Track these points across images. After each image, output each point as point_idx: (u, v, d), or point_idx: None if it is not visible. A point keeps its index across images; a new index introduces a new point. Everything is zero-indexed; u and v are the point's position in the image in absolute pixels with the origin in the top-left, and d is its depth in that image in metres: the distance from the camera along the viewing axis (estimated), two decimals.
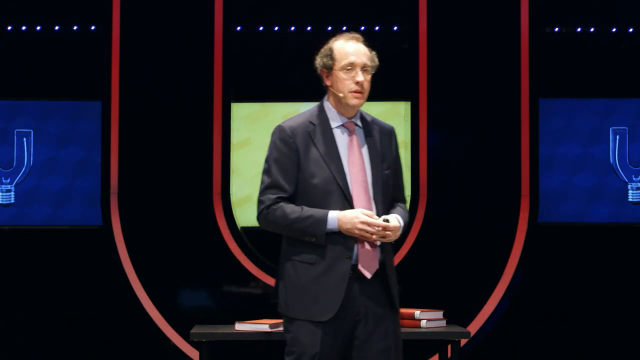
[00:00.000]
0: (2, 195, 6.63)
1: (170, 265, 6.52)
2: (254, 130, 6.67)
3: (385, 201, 3.70)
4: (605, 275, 6.62)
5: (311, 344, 3.60)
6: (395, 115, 6.61)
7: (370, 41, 3.82)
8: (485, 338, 6.48)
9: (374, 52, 3.75)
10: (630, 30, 6.72)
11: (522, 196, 6.56)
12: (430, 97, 6.59)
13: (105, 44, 6.59)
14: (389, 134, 3.78)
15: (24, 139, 6.66)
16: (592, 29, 6.73)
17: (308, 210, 3.61)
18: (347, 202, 3.62)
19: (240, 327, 5.05)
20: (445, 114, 6.62)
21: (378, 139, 3.73)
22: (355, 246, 3.62)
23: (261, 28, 6.72)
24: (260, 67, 6.70)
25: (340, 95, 3.68)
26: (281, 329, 5.03)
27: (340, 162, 3.65)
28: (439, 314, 5.17)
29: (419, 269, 6.53)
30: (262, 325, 5.01)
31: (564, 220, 6.65)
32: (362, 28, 6.62)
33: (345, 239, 3.60)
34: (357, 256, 3.62)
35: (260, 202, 3.70)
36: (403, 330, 5.03)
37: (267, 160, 3.70)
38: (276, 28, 6.72)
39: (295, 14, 6.72)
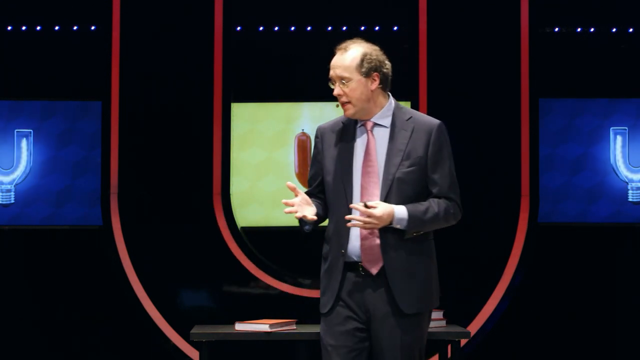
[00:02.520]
0: (2, 195, 6.63)
1: (170, 265, 6.52)
2: (254, 131, 6.67)
3: (403, 197, 3.69)
4: (605, 275, 6.62)
5: (325, 333, 3.73)
6: None
7: (370, 41, 3.83)
8: (485, 338, 6.48)
9: (367, 55, 3.74)
10: (630, 30, 6.72)
11: (522, 196, 6.56)
12: (430, 97, 6.59)
13: (105, 44, 6.59)
14: (426, 131, 3.79)
15: (24, 139, 6.66)
16: (592, 29, 6.73)
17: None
18: (345, 198, 3.69)
19: (240, 327, 5.05)
20: (445, 114, 6.60)
21: (406, 136, 3.75)
22: (354, 241, 3.67)
23: (261, 28, 6.72)
24: (260, 67, 6.70)
25: None
26: (281, 329, 5.03)
27: (350, 159, 3.72)
28: (439, 314, 5.17)
29: None
30: (262, 325, 5.00)
31: (564, 220, 6.65)
32: (362, 28, 6.62)
33: (341, 234, 3.68)
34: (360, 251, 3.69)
35: None
36: None
37: None
38: (276, 28, 6.72)
39: (295, 14, 6.72)
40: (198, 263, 6.54)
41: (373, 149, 3.73)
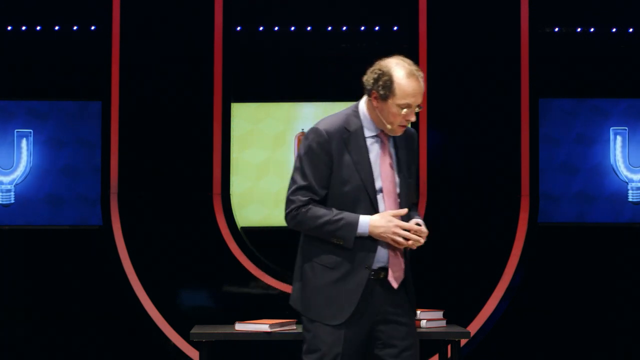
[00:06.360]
0: (2, 195, 6.63)
1: (170, 265, 6.52)
2: (254, 131, 6.68)
3: (409, 209, 3.77)
4: (605, 275, 6.62)
5: (333, 343, 3.66)
6: None
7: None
8: (485, 338, 6.48)
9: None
10: (630, 30, 6.72)
11: (522, 196, 6.56)
12: (430, 97, 6.59)
13: (105, 44, 6.59)
14: (412, 139, 3.83)
15: (24, 139, 6.66)
16: (592, 29, 6.73)
17: (339, 213, 3.64)
18: (374, 211, 3.67)
19: (240, 327, 5.04)
20: (446, 114, 6.62)
21: (405, 147, 3.77)
22: (382, 254, 3.68)
23: (261, 28, 6.72)
24: (260, 67, 6.70)
25: (388, 126, 3.69)
26: (281, 329, 5.04)
27: (370, 171, 3.68)
28: (439, 314, 5.16)
29: (419, 269, 6.51)
30: (262, 325, 5.00)
31: (564, 220, 6.65)
32: (362, 28, 6.62)
33: (369, 246, 3.66)
34: (386, 265, 3.69)
35: (290, 201, 3.71)
36: None
37: (300, 160, 3.71)
38: (276, 28, 6.72)
39: (295, 14, 6.72)
40: (198, 263, 6.54)
41: (389, 162, 3.72)
